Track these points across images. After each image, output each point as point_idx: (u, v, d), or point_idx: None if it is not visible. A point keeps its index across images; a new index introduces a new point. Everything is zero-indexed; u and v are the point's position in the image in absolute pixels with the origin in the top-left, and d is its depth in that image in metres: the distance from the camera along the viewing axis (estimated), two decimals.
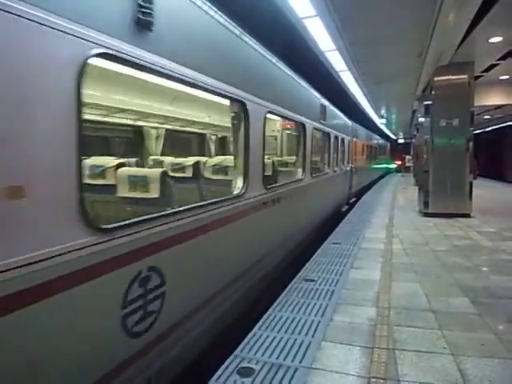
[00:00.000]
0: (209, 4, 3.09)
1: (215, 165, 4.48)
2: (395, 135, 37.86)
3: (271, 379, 2.50)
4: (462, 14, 5.71)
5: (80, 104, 1.88)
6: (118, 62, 2.23)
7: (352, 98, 13.99)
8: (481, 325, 3.30)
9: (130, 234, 2.22)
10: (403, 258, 5.46)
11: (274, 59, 4.88)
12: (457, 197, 8.86)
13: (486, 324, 3.30)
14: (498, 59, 9.03)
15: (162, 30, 2.43)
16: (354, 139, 13.91)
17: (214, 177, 4.45)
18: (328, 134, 8.70)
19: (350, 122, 12.69)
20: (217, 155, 7.63)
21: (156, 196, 3.25)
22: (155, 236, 2.43)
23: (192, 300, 3.00)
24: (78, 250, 1.86)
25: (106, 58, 2.14)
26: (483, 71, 10.10)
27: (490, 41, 7.49)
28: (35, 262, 1.65)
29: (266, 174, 4.54)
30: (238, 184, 3.87)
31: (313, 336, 3.09)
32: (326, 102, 8.37)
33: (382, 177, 27.06)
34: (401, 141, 40.60)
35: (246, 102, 3.82)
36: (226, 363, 2.69)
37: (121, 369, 2.22)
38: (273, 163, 5.54)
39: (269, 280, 4.77)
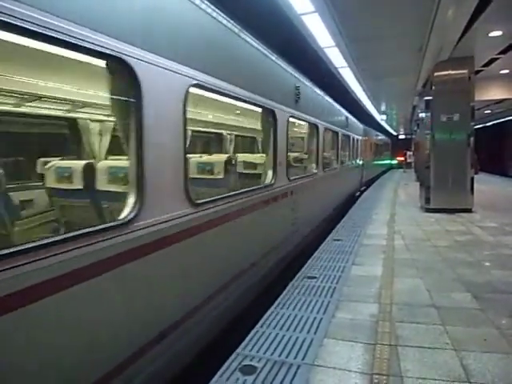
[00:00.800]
0: (317, 87, 7.50)
1: (295, 157, 7.39)
2: (396, 131, 37.79)
3: (274, 376, 2.50)
4: (462, 9, 5.67)
5: (288, 138, 5.39)
6: (293, 118, 5.66)
7: (352, 94, 13.94)
8: (483, 320, 3.29)
9: (297, 182, 5.79)
10: (405, 254, 5.46)
11: (327, 96, 8.55)
12: (458, 192, 8.84)
13: (488, 319, 3.30)
14: (498, 53, 8.98)
15: (300, 101, 5.82)
16: (364, 138, 16.56)
17: (295, 164, 7.34)
18: (348, 137, 11.95)
19: (361, 126, 15.55)
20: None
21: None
22: (294, 186, 5.70)
23: (308, 216, 6.65)
24: (285, 185, 5.23)
25: (291, 117, 5.45)
26: (483, 66, 10.04)
27: (489, 35, 7.44)
28: (285, 185, 5.23)
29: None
30: (314, 167, 7.33)
31: (315, 333, 3.09)
32: (348, 114, 11.79)
33: (384, 172, 27.18)
34: (401, 136, 40.52)
35: (318, 124, 7.27)
36: (229, 361, 2.69)
37: (288, 236, 5.50)
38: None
39: (333, 213, 9.32)
